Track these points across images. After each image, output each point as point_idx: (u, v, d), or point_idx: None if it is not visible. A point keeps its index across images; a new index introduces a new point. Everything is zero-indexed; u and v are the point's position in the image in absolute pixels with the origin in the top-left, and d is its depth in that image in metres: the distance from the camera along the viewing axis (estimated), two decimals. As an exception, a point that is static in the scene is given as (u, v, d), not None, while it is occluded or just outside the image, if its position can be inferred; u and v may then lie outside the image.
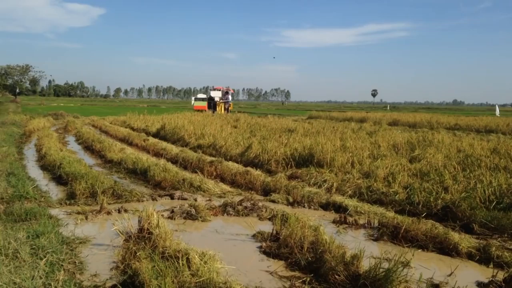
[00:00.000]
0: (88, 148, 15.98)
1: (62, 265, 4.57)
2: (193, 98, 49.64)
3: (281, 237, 5.62)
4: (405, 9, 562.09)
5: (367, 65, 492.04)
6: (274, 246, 5.51)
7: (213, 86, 45.23)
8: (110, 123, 27.28)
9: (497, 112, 50.88)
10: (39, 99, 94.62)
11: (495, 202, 7.21)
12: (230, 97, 41.56)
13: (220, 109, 39.42)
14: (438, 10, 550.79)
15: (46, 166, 11.44)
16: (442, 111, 73.88)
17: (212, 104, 41.62)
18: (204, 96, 46.53)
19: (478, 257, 5.38)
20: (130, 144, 17.49)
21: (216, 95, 42.61)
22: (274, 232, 5.91)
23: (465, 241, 5.68)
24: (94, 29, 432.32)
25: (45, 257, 4.55)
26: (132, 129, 23.36)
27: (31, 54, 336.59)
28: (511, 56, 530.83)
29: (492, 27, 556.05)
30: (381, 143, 13.95)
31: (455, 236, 5.79)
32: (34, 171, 11.11)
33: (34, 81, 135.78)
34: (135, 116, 29.18)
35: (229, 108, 41.20)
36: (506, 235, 6.26)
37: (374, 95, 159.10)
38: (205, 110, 38.84)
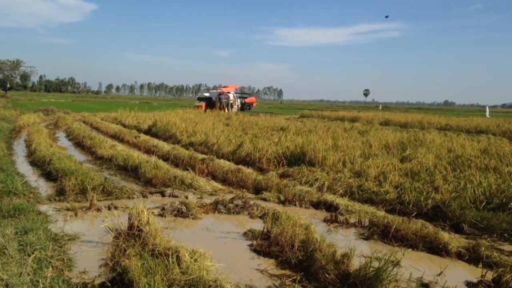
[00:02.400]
0: (79, 144, 15.85)
1: (50, 262, 4.52)
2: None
3: (272, 236, 5.61)
4: (398, 9, 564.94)
5: (359, 65, 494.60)
6: (265, 245, 5.50)
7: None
8: (101, 120, 27.10)
9: (488, 113, 51.27)
10: (29, 95, 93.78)
11: (484, 202, 7.27)
12: (231, 95, 40.79)
13: (216, 107, 39.04)
14: (430, 11, 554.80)
15: (36, 162, 11.34)
16: (433, 111, 74.32)
17: (209, 103, 41.43)
18: (205, 95, 46.04)
19: (467, 256, 5.42)
20: (121, 140, 17.38)
21: (213, 95, 42.60)
22: (265, 230, 5.89)
23: (455, 241, 5.71)
24: (86, 25, 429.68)
25: (33, 253, 4.51)
26: (124, 125, 23.23)
27: (22, 49, 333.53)
28: (502, 58, 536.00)
29: (483, 28, 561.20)
30: (373, 142, 13.99)
31: (445, 236, 5.82)
32: (24, 167, 11.00)
33: (24, 76, 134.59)
34: (126, 113, 29.03)
35: (232, 105, 40.29)
36: (495, 235, 6.31)
37: (366, 94, 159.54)
38: (201, 108, 38.72)
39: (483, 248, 5.44)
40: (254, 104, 45.78)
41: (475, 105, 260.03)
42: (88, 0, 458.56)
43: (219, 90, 42.61)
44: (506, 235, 6.28)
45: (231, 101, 40.05)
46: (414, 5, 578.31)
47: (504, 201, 7.20)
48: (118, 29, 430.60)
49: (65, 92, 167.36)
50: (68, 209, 6.93)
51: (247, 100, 44.52)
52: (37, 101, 60.01)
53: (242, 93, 48.21)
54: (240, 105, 41.92)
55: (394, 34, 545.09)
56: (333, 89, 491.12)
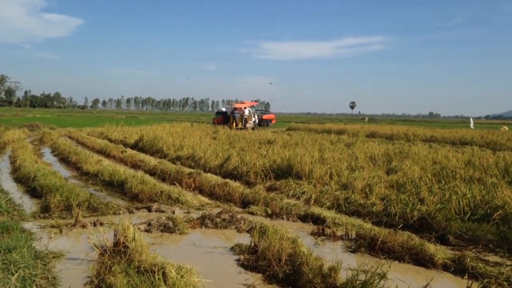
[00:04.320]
0: (64, 160, 15.70)
1: (34, 280, 4.45)
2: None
3: (259, 250, 5.60)
4: (381, 23, 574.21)
5: (345, 78, 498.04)
6: (252, 259, 5.48)
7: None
8: (87, 135, 26.91)
9: (472, 124, 52.00)
10: (14, 110, 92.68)
11: (469, 213, 7.34)
12: (246, 111, 39.94)
13: (231, 122, 38.21)
14: (413, 24, 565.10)
15: (20, 178, 11.20)
16: (418, 123, 75.03)
17: (225, 117, 40.42)
18: (222, 109, 44.99)
19: (453, 268, 5.45)
20: (108, 155, 17.25)
21: (228, 110, 41.57)
22: (252, 244, 5.88)
23: (441, 252, 5.75)
24: (71, 40, 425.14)
25: (17, 272, 4.44)
26: (110, 140, 23.09)
27: (7, 64, 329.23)
28: (485, 70, 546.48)
29: (465, 41, 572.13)
30: (359, 154, 14.08)
31: (431, 248, 5.86)
32: (8, 183, 10.86)
33: (9, 92, 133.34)
34: (113, 127, 28.85)
35: (247, 120, 39.17)
36: (480, 246, 6.36)
37: (352, 107, 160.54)
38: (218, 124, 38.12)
39: (469, 259, 5.48)
40: (274, 121, 44.43)
41: (460, 116, 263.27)
42: (74, 16, 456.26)
43: (233, 105, 42.24)
44: (491, 245, 6.34)
45: (246, 117, 39.02)
46: (398, 19, 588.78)
47: (488, 212, 7.27)
48: (104, 44, 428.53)
49: (50, 107, 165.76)
50: (52, 226, 6.85)
51: (264, 117, 43.46)
52: (22, 117, 59.28)
53: (261, 110, 46.78)
54: (257, 121, 40.72)
55: (379, 47, 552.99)
56: (319, 102, 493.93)
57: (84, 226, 6.85)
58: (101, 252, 5.30)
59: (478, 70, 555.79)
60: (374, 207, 8.03)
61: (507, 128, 41.70)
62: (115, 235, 5.41)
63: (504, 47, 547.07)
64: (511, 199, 7.57)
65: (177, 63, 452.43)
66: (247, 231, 6.93)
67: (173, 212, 7.94)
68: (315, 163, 11.54)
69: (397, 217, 7.54)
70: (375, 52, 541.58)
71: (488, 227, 6.73)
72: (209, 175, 11.34)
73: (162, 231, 6.83)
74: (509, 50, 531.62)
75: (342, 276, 4.64)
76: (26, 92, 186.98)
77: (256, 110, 44.32)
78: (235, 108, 40.24)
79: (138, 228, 6.35)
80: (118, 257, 4.99)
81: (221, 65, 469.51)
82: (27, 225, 6.84)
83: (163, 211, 8.11)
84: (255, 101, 46.79)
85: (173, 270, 4.43)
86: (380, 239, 6.04)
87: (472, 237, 6.55)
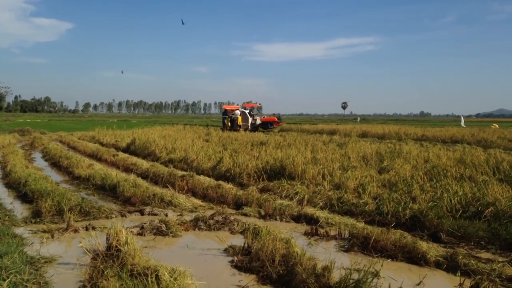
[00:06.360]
0: (55, 164, 15.59)
1: (26, 286, 4.41)
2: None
3: (252, 251, 5.60)
4: (372, 24, 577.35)
5: (337, 78, 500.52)
6: (246, 260, 5.48)
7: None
8: (79, 139, 26.76)
9: (462, 123, 52.40)
10: (4, 115, 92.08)
11: (461, 211, 7.38)
12: (237, 112, 38.83)
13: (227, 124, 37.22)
14: (404, 24, 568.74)
15: (11, 184, 11.11)
16: (409, 122, 75.48)
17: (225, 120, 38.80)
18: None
19: (445, 265, 5.48)
20: (99, 159, 17.17)
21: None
22: (246, 245, 5.88)
23: (433, 250, 5.78)
24: (61, 44, 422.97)
25: (8, 278, 4.40)
26: (101, 144, 22.98)
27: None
28: (475, 68, 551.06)
29: (456, 40, 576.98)
30: (351, 154, 14.13)
31: (423, 245, 5.88)
32: (-2, 189, 10.76)
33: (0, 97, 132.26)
34: (104, 131, 28.76)
35: (237, 122, 37.27)
36: (472, 243, 6.40)
37: (344, 107, 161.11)
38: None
39: (461, 256, 5.51)
40: (276, 125, 41.89)
41: (450, 115, 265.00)
42: (63, 19, 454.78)
43: (223, 107, 41.65)
44: (482, 242, 6.39)
45: (235, 118, 37.31)
46: (388, 19, 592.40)
47: (479, 209, 7.32)
48: (94, 47, 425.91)
49: (41, 112, 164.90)
50: (44, 231, 6.80)
51: (264, 119, 41.57)
52: (13, 122, 58.86)
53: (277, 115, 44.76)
54: (256, 124, 39.39)
55: (370, 47, 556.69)
56: (312, 102, 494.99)
57: (76, 231, 6.80)
58: (93, 256, 5.27)
59: (468, 69, 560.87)
60: (367, 206, 8.06)
61: (497, 126, 42.09)
62: (107, 239, 5.38)
63: (493, 46, 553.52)
64: (502, 196, 7.64)
65: (169, 65, 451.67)
66: (241, 233, 6.93)
67: (166, 215, 7.92)
68: (308, 163, 11.55)
69: (389, 216, 7.57)
70: (367, 52, 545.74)
71: (480, 224, 6.78)
72: (202, 177, 11.32)
73: (155, 234, 6.80)
74: (499, 49, 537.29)
75: (336, 276, 4.64)
76: (16, 97, 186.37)
77: (274, 114, 43.07)
78: (225, 110, 40.11)
79: (131, 231, 6.31)
80: (111, 261, 4.96)
81: (214, 68, 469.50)
82: (19, 231, 6.79)
83: (156, 214, 8.07)
84: (248, 102, 46.26)
85: (166, 273, 4.41)
86: (373, 238, 6.06)
87: (464, 234, 6.59)
